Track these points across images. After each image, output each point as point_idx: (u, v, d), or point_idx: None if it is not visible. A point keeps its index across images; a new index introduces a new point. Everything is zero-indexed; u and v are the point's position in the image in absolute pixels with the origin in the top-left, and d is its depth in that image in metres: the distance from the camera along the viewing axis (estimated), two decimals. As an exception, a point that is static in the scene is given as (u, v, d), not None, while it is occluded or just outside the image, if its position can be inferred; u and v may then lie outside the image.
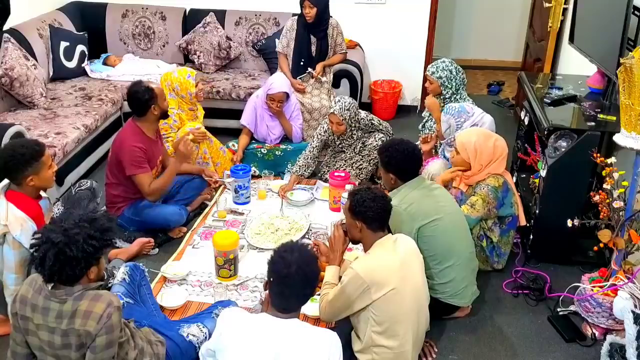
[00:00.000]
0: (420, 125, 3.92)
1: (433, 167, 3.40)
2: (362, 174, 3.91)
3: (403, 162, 2.71)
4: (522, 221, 3.17)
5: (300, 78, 4.48)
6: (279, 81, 3.99)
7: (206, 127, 4.03)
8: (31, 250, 1.94)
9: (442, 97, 3.65)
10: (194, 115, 3.88)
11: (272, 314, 1.91)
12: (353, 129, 3.83)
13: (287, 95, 3.97)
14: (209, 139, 3.91)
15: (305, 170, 3.87)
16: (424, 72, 5.14)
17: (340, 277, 2.43)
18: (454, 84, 3.60)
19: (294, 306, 1.94)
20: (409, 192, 2.69)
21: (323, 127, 3.89)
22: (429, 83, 3.68)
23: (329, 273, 2.54)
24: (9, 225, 2.44)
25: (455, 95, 3.61)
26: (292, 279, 1.86)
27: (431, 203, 2.69)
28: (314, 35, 4.44)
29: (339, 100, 3.71)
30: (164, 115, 3.37)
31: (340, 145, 3.96)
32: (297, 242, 2.02)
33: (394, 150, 2.71)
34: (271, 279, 1.91)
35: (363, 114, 3.90)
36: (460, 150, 3.07)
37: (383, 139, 3.90)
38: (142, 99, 3.21)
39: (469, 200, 2.97)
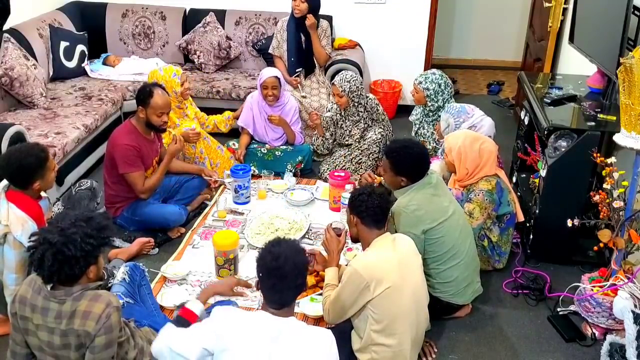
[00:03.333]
0: (413, 132, 3.92)
1: (433, 167, 3.41)
2: (361, 168, 3.94)
3: (414, 165, 2.68)
4: (520, 217, 3.17)
5: (293, 77, 4.50)
6: (267, 69, 4.04)
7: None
8: (29, 253, 1.94)
9: (427, 108, 3.67)
10: (182, 113, 3.87)
11: (269, 312, 1.91)
12: (358, 105, 3.92)
13: (279, 81, 3.97)
14: (205, 138, 3.91)
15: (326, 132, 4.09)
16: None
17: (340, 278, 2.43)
18: (440, 98, 3.62)
19: (288, 299, 1.92)
20: (416, 194, 2.67)
21: (327, 107, 4.13)
22: (415, 92, 3.70)
23: (329, 275, 2.54)
24: (10, 225, 2.44)
25: (442, 108, 3.61)
26: (283, 270, 1.86)
27: (438, 204, 2.67)
28: (303, 33, 4.44)
29: (343, 73, 3.92)
30: (150, 124, 3.29)
31: (342, 128, 4.03)
32: (283, 237, 2.02)
33: (404, 154, 2.67)
34: (261, 275, 1.91)
35: (371, 96, 4.05)
36: (447, 153, 3.07)
37: (382, 133, 3.97)
38: (138, 96, 3.26)
39: (467, 209, 2.95)
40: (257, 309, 2.65)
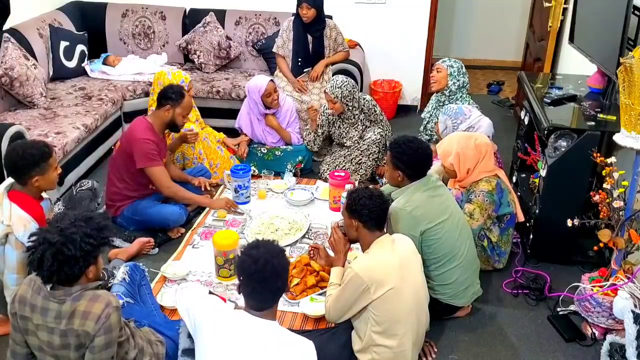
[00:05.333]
0: (422, 127, 3.93)
1: (432, 168, 3.41)
2: (361, 168, 3.94)
3: (414, 161, 2.67)
4: (520, 217, 3.17)
5: (299, 78, 4.51)
6: (259, 78, 4.05)
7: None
8: (28, 253, 1.94)
9: (447, 90, 3.66)
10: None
11: (251, 313, 1.92)
12: (353, 109, 3.93)
13: (274, 82, 4.04)
14: (205, 139, 3.91)
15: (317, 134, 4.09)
16: (424, 72, 5.19)
17: None
18: (461, 78, 3.65)
19: (268, 303, 1.92)
20: (414, 194, 2.66)
21: (322, 108, 4.11)
22: (437, 71, 3.69)
23: (334, 274, 2.54)
24: (12, 225, 2.44)
25: (459, 92, 3.62)
26: (261, 275, 1.85)
27: (436, 205, 2.67)
28: (311, 34, 4.45)
29: (333, 79, 3.89)
30: (173, 124, 3.35)
31: (339, 129, 4.03)
32: (262, 239, 2.01)
33: (406, 148, 2.67)
34: (242, 278, 1.91)
35: (368, 97, 4.04)
36: (442, 160, 3.06)
37: (382, 133, 3.98)
38: (167, 94, 3.26)
39: (467, 210, 2.95)
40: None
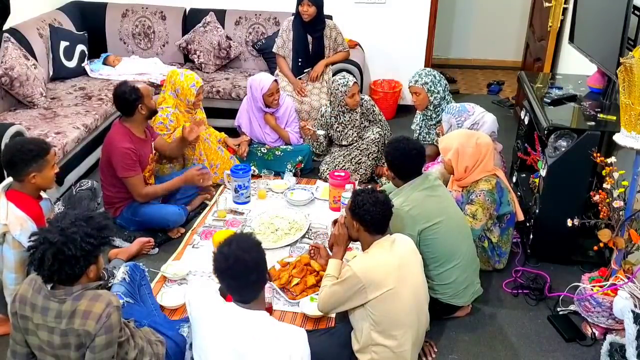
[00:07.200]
0: (414, 138, 3.92)
1: (435, 167, 3.41)
2: (361, 168, 3.95)
3: (401, 161, 2.71)
4: (520, 216, 3.17)
5: (299, 78, 4.51)
6: (264, 75, 4.06)
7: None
8: (29, 252, 1.94)
9: (431, 106, 3.66)
10: (191, 117, 3.89)
11: (239, 305, 1.93)
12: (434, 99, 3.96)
13: (277, 83, 4.05)
14: (205, 140, 3.91)
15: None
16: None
17: None
18: (439, 88, 3.63)
19: (248, 296, 1.93)
20: (411, 193, 2.68)
21: (320, 112, 4.11)
22: (416, 95, 3.69)
23: (331, 266, 2.55)
24: (9, 224, 2.44)
25: (443, 101, 3.63)
26: (233, 271, 1.87)
27: (434, 205, 2.67)
28: (311, 34, 4.45)
29: (344, 77, 3.89)
30: (152, 113, 3.38)
31: (338, 132, 4.03)
32: (237, 232, 2.01)
33: (397, 147, 2.71)
34: (216, 276, 1.93)
35: (366, 97, 4.06)
36: (443, 155, 3.07)
37: (380, 133, 4.01)
38: (129, 99, 3.23)
39: (469, 211, 2.95)
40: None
